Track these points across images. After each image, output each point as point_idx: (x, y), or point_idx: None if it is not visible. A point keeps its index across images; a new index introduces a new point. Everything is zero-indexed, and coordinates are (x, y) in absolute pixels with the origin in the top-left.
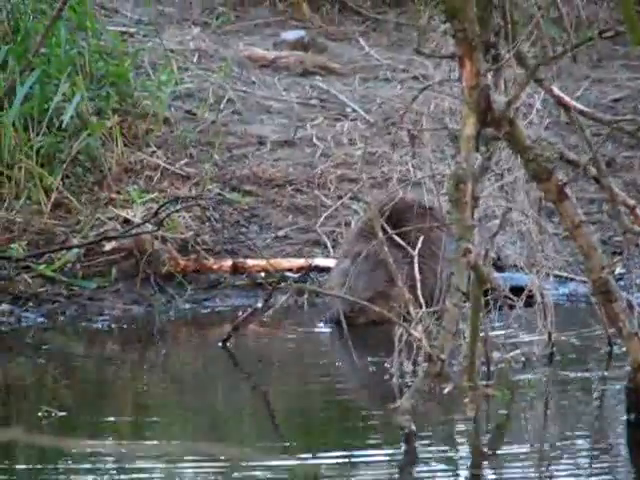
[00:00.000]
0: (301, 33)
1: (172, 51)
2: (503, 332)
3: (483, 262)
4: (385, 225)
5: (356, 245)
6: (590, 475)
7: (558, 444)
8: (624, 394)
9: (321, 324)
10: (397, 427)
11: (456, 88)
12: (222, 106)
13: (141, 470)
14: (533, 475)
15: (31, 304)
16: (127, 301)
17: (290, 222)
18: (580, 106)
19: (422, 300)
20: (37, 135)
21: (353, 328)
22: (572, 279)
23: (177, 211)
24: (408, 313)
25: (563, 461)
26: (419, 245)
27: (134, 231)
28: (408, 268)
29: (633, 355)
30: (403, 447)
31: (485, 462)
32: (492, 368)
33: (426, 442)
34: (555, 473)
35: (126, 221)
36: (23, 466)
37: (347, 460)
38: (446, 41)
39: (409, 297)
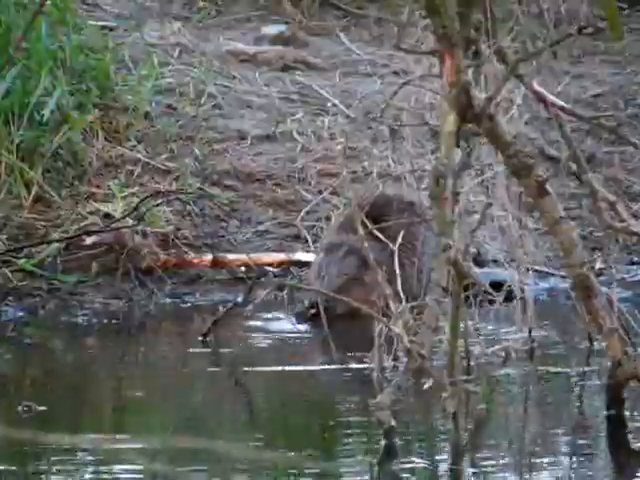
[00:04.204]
0: (282, 28)
1: (153, 45)
2: (483, 327)
3: (463, 257)
4: (365, 220)
5: (336, 238)
6: (570, 471)
7: (538, 440)
8: (604, 390)
9: (296, 319)
10: (377, 422)
11: (436, 83)
12: (203, 101)
13: (121, 466)
14: (513, 471)
15: (11, 298)
16: (107, 295)
17: (270, 217)
18: (560, 102)
19: (402, 295)
20: (18, 129)
21: (332, 320)
22: (552, 274)
23: (157, 205)
24: (387, 307)
25: (543, 457)
26: (399, 240)
27: (114, 225)
28: (388, 263)
29: (613, 351)
30: (383, 442)
31: (465, 457)
32: (472, 363)
33: (406, 438)
34: (535, 469)
35: (106, 215)
36: (1, 461)
37: (327, 455)
38: (427, 37)
39: (389, 292)
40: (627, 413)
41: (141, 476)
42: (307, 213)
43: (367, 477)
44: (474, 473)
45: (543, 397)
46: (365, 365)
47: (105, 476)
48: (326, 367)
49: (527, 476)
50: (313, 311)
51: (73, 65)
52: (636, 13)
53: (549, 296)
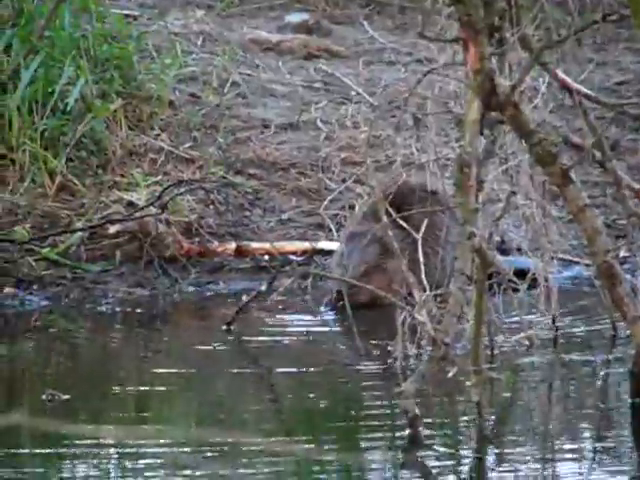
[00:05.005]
0: (305, 16)
1: (176, 34)
2: (507, 315)
3: (487, 246)
4: (389, 208)
5: (356, 227)
6: (594, 459)
7: (562, 428)
8: (628, 378)
9: (323, 307)
10: (401, 411)
11: (460, 72)
12: (226, 89)
13: (144, 455)
14: (537, 458)
15: (35, 287)
16: (131, 284)
17: (294, 205)
18: (584, 89)
19: (426, 283)
20: (41, 118)
21: (356, 309)
22: (576, 262)
23: (181, 194)
24: (410, 295)
25: (567, 445)
26: (423, 228)
27: (138, 214)
28: (411, 251)
29: (637, 339)
30: (407, 431)
31: (489, 446)
32: (496, 352)
33: (430, 426)
34: (559, 457)
35: (130, 204)
36: (26, 451)
37: (351, 445)
38: (451, 25)
39: (412, 280)
40: None
41: (164, 466)
42: (331, 202)
43: (391, 466)
44: (498, 461)
45: (567, 385)
46: (389, 354)
47: (128, 465)
48: (350, 356)
49: (551, 464)
50: (341, 303)
51: (96, 54)
52: None
53: (573, 284)
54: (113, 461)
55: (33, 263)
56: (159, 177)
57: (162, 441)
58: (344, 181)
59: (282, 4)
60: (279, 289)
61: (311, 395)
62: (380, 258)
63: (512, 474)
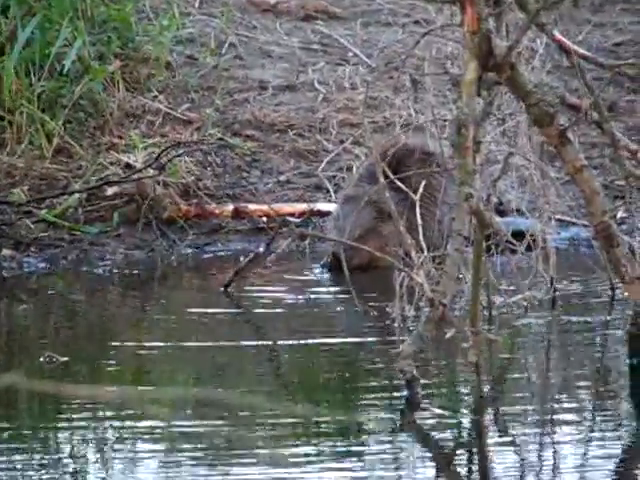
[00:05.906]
0: None
1: None
2: (505, 277)
3: (485, 207)
4: (387, 170)
5: (352, 189)
6: (592, 420)
7: (560, 389)
8: (626, 339)
9: (319, 269)
10: (399, 372)
11: (458, 33)
12: (224, 51)
13: (142, 417)
14: (535, 420)
15: (33, 249)
16: (129, 246)
17: (292, 167)
18: (581, 50)
19: (423, 245)
20: (39, 80)
21: (351, 272)
22: (574, 223)
23: (179, 156)
24: (407, 256)
25: (565, 406)
26: (420, 190)
27: (136, 176)
28: (408, 213)
29: (635, 300)
30: (405, 392)
31: (487, 407)
32: (494, 313)
33: (428, 387)
34: (557, 418)
35: (128, 166)
36: (24, 412)
37: (349, 406)
38: None
39: (411, 242)
40: None
41: (163, 427)
42: (328, 163)
43: (389, 428)
44: (496, 422)
45: (565, 346)
46: (386, 315)
47: (127, 426)
48: (347, 317)
49: (549, 425)
50: (337, 265)
51: (94, 15)
52: None
53: (571, 245)
54: (111, 422)
55: (31, 225)
56: (156, 139)
57: (161, 402)
58: (342, 142)
59: None
60: (277, 250)
61: (308, 356)
62: (375, 221)
63: (510, 435)
